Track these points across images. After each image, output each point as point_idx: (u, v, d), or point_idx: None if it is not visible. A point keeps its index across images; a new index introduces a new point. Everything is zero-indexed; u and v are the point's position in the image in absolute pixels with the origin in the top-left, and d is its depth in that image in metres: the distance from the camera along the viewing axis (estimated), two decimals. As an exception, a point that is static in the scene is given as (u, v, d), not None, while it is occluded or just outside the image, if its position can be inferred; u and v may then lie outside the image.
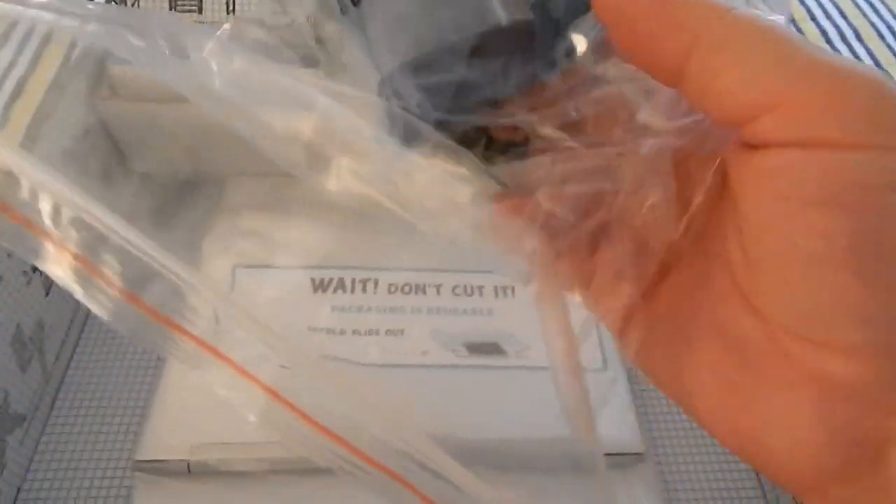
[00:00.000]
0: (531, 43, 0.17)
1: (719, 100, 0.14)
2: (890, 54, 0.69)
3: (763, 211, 0.14)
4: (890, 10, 0.74)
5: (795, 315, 0.14)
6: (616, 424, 0.40)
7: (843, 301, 0.13)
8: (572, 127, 0.17)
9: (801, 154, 0.13)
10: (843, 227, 0.12)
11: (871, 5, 0.75)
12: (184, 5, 0.51)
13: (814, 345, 0.13)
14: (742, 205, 0.14)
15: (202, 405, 0.38)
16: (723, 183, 0.16)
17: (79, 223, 0.17)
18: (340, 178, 0.17)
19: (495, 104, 0.17)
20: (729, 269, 0.15)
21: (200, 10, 0.52)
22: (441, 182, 0.17)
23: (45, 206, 0.17)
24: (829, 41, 0.71)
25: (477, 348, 0.42)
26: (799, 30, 0.72)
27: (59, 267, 0.17)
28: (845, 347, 0.13)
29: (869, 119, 0.13)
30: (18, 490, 0.39)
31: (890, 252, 0.13)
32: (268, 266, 0.45)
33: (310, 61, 0.18)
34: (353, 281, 0.44)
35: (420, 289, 0.44)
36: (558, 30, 0.17)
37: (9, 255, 0.39)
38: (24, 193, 0.17)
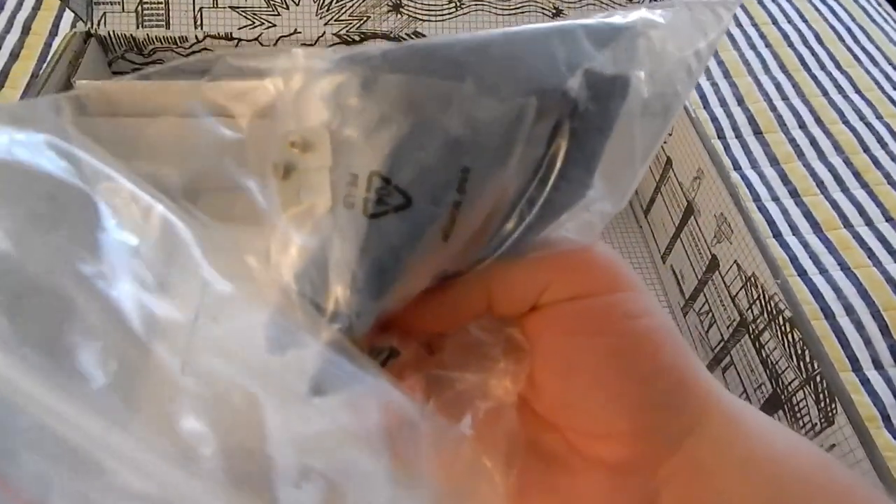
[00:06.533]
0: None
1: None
2: (850, 56, 0.71)
3: (548, 342, 0.18)
4: (849, 14, 0.76)
5: (573, 414, 0.18)
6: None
7: (605, 396, 0.17)
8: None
9: (571, 304, 0.18)
10: (603, 343, 0.17)
11: (831, 9, 0.77)
12: (150, 20, 0.51)
13: (591, 437, 0.18)
14: (533, 345, 0.19)
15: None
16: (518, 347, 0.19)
17: None
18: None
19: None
20: (528, 401, 0.19)
21: (168, 26, 0.51)
22: None
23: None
24: (790, 44, 0.72)
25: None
26: (761, 35, 0.74)
27: None
28: (610, 434, 0.18)
29: (609, 271, 0.18)
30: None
31: (639, 360, 0.17)
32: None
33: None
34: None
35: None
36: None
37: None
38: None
